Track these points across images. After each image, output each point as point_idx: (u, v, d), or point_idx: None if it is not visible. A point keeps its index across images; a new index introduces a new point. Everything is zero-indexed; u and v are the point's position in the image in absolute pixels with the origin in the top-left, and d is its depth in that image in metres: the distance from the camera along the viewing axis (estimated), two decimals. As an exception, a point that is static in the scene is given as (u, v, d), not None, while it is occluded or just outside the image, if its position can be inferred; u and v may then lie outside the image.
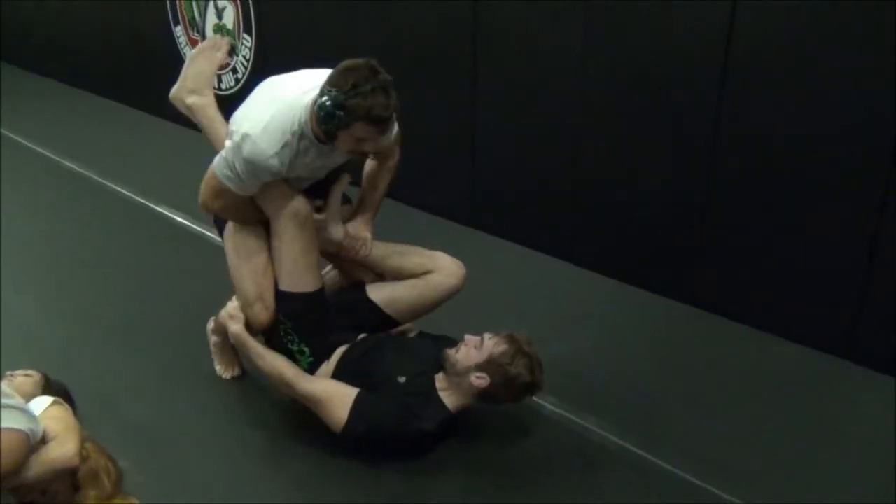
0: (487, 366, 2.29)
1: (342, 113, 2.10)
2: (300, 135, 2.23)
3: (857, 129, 2.60)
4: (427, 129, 4.03)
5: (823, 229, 2.76)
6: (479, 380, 2.29)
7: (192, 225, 3.91)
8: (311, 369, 2.42)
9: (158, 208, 4.28)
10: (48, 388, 2.38)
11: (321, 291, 2.46)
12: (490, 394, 2.33)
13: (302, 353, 2.42)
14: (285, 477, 2.36)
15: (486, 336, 2.36)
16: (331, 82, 2.13)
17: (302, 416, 2.47)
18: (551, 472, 2.35)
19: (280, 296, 2.42)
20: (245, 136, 2.19)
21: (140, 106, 6.22)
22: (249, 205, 2.39)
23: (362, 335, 2.51)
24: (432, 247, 3.81)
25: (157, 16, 5.79)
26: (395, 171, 2.63)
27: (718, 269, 3.10)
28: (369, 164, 2.61)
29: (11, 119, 6.19)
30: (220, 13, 5.23)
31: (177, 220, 4.07)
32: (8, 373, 2.35)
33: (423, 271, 2.55)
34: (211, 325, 2.74)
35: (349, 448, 2.36)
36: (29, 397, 2.20)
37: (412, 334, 2.66)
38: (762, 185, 2.88)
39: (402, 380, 2.34)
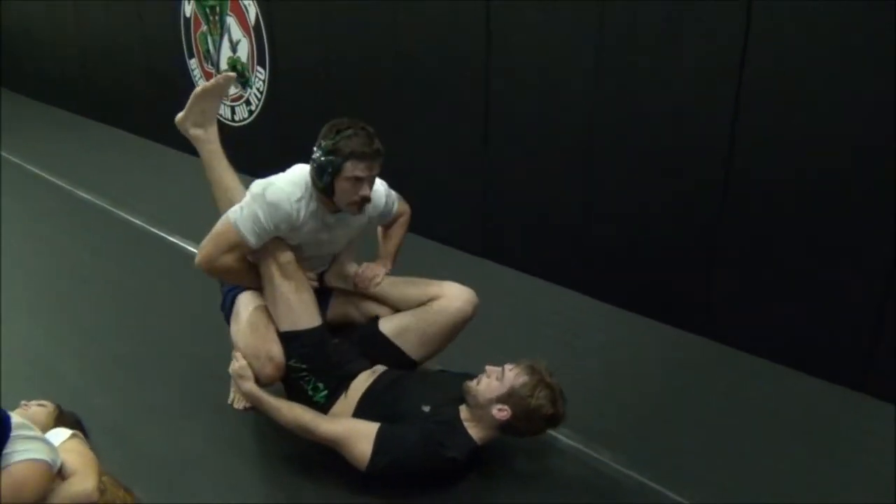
0: (508, 398, 2.27)
1: (332, 157, 2.29)
2: (310, 195, 2.39)
3: (871, 160, 2.60)
4: (439, 160, 4.06)
5: (837, 260, 2.75)
6: (501, 412, 2.27)
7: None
8: (328, 403, 2.41)
9: (170, 238, 4.30)
10: (61, 418, 2.39)
11: (323, 327, 2.47)
12: (512, 426, 2.30)
13: (316, 389, 2.42)
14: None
15: (507, 367, 2.34)
16: (318, 140, 2.35)
17: (317, 448, 2.44)
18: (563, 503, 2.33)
19: (283, 338, 2.43)
20: (269, 184, 2.34)
21: (154, 137, 6.30)
22: (251, 268, 2.47)
23: (382, 367, 2.50)
24: (443, 277, 3.83)
25: (172, 48, 5.88)
26: (407, 225, 2.79)
27: (731, 301, 3.09)
28: (381, 228, 2.75)
29: (24, 148, 6.27)
30: (234, 46, 5.31)
31: (188, 250, 4.09)
32: (23, 402, 2.36)
33: (430, 298, 2.56)
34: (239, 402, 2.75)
35: (368, 482, 2.33)
36: (43, 427, 2.22)
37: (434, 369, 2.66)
38: (775, 215, 2.87)
39: (426, 409, 2.33)
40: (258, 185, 2.35)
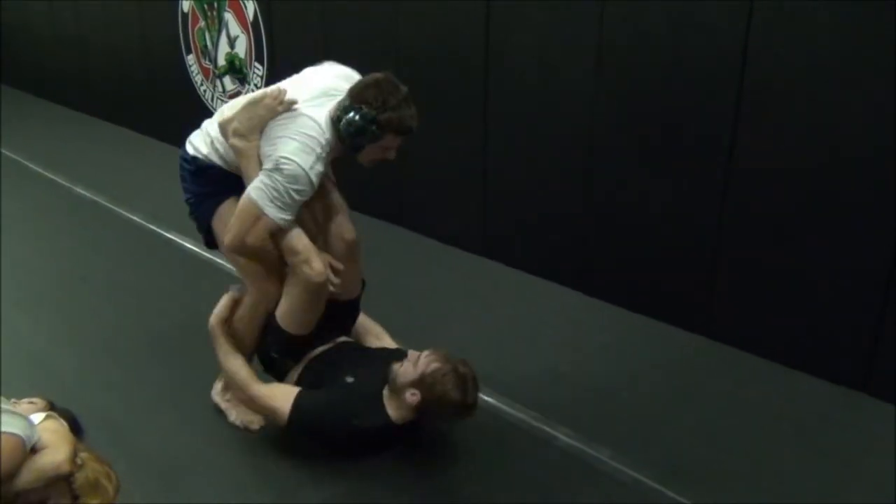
0: (420, 383, 2.35)
1: (374, 128, 2.27)
2: (324, 150, 2.32)
3: (872, 159, 2.59)
4: (439, 158, 4.05)
5: (838, 260, 2.75)
6: (413, 396, 2.35)
7: (201, 252, 3.91)
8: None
9: (168, 234, 4.29)
10: (53, 405, 2.37)
11: (309, 335, 2.56)
12: (423, 410, 2.38)
13: (286, 364, 2.59)
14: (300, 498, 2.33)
15: (424, 354, 2.41)
16: (357, 99, 2.28)
17: (317, 446, 2.47)
18: (564, 502, 2.33)
19: (273, 325, 2.52)
20: (279, 160, 2.26)
21: (151, 133, 6.27)
22: (274, 250, 2.43)
23: (343, 338, 2.68)
24: (444, 276, 3.83)
25: (170, 44, 5.85)
26: None
27: (732, 301, 3.08)
28: None
29: (22, 144, 6.24)
30: (232, 42, 5.28)
31: (186, 247, 4.08)
32: (12, 400, 2.32)
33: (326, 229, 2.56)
34: (217, 387, 2.73)
35: (364, 479, 2.35)
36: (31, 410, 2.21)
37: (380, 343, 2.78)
38: (776, 215, 2.87)
39: (350, 380, 2.46)
40: (270, 157, 2.28)
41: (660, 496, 2.32)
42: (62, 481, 2.01)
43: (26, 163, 5.84)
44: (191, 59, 5.74)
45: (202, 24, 5.50)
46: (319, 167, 2.31)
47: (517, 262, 3.85)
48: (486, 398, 2.71)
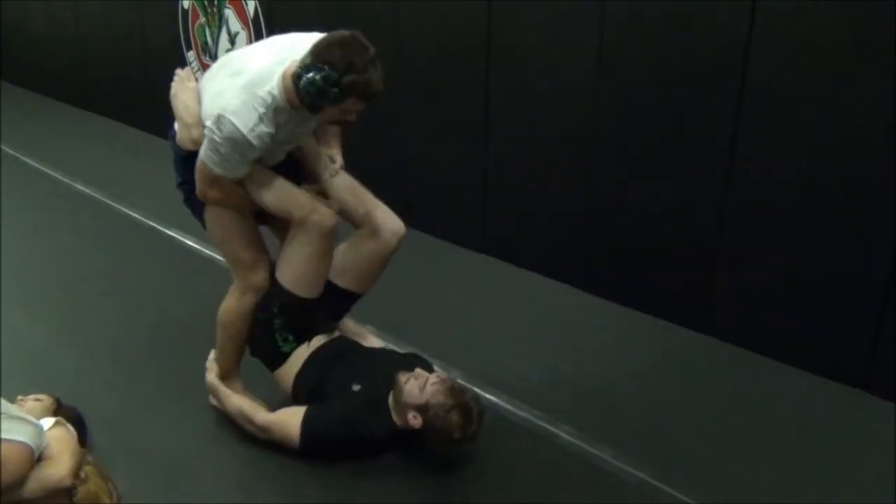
0: (425, 410, 2.33)
1: (336, 90, 2.12)
2: (275, 108, 2.20)
3: (873, 157, 2.58)
4: (439, 155, 4.04)
5: (840, 258, 2.74)
6: (415, 420, 2.34)
7: (202, 249, 3.91)
8: (292, 351, 2.53)
9: (168, 231, 4.28)
10: (60, 411, 2.37)
11: (319, 299, 2.51)
12: (421, 434, 2.36)
13: (286, 340, 2.52)
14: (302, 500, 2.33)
15: (431, 380, 2.38)
16: (320, 58, 2.12)
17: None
18: (566, 502, 2.32)
19: (280, 290, 2.46)
20: (219, 118, 2.17)
21: (151, 129, 6.25)
22: (243, 193, 2.38)
23: (337, 331, 2.66)
24: (444, 274, 3.82)
25: (170, 40, 5.84)
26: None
27: (733, 299, 3.08)
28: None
29: (20, 141, 6.24)
30: (232, 38, 5.27)
31: (187, 244, 4.07)
32: (19, 397, 2.35)
33: (362, 220, 2.53)
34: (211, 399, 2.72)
35: (365, 478, 2.36)
36: (37, 417, 2.21)
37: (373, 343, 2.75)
38: (778, 212, 2.86)
39: (356, 388, 2.45)
40: (212, 116, 2.19)
41: (662, 495, 2.31)
42: (63, 492, 2.02)
43: (25, 159, 5.82)
44: (191, 55, 5.72)
45: (202, 20, 5.49)
46: (264, 127, 2.19)
47: (518, 260, 3.84)
48: (487, 396, 2.72)
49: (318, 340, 2.57)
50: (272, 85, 2.19)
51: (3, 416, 1.96)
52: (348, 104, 2.19)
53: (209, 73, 2.40)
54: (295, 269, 2.45)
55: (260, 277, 2.51)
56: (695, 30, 2.91)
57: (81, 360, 3.05)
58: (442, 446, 2.38)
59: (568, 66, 3.35)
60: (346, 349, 2.61)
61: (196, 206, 2.52)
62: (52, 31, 7.63)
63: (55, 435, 2.13)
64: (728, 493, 2.31)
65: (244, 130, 2.16)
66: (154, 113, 6.17)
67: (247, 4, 5.03)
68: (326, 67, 2.10)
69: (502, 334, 3.17)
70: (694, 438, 2.57)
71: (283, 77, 2.19)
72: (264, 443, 2.53)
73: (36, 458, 2.01)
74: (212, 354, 2.62)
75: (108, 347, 3.15)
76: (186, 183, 2.47)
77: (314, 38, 2.24)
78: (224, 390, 2.56)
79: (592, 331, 3.27)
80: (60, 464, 2.04)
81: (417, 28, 3.95)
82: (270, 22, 4.89)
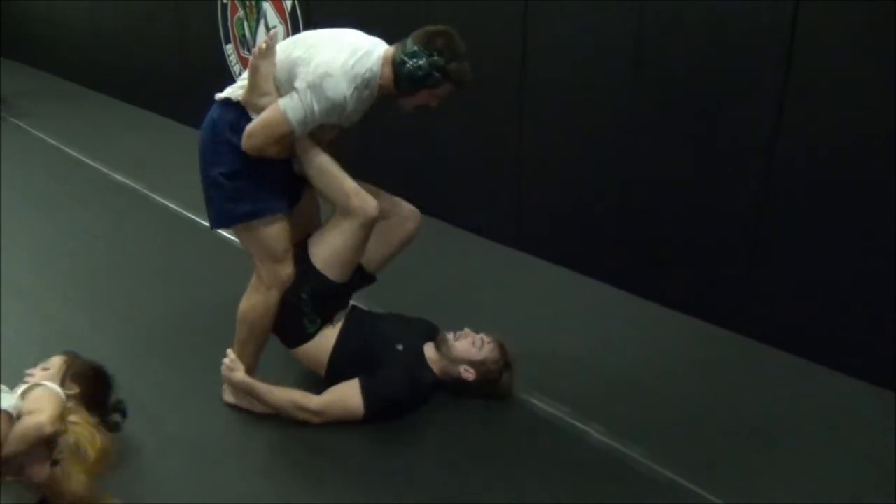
0: (479, 365, 2.61)
1: (439, 75, 2.36)
2: (367, 82, 2.37)
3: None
4: (472, 148, 4.03)
5: (879, 260, 2.67)
6: (467, 373, 2.61)
7: (236, 240, 3.93)
8: (314, 335, 2.62)
9: (204, 222, 4.30)
10: (73, 370, 2.30)
11: (347, 284, 2.62)
12: (466, 386, 2.62)
13: (313, 322, 2.60)
14: (328, 489, 2.32)
15: (485, 339, 2.65)
16: (425, 45, 2.35)
17: (344, 436, 2.49)
18: (595, 501, 2.29)
19: (312, 273, 2.53)
20: (326, 75, 2.30)
21: (189, 122, 6.32)
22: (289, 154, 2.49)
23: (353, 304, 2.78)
24: (476, 270, 3.81)
25: (209, 34, 5.90)
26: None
27: (769, 298, 3.02)
28: None
29: (61, 130, 6.35)
30: (270, 32, 5.30)
31: (222, 235, 4.10)
32: (26, 372, 2.28)
33: (383, 215, 2.60)
34: (226, 395, 2.72)
35: (389, 474, 2.36)
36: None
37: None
38: (816, 210, 2.80)
39: (400, 347, 2.62)
40: (316, 75, 2.30)
41: (693, 496, 2.28)
42: (42, 445, 1.97)
43: (66, 149, 5.93)
44: (229, 48, 5.78)
45: (241, 13, 5.53)
46: (357, 95, 2.35)
47: (550, 255, 3.81)
48: (516, 392, 2.70)
49: (339, 316, 2.68)
50: (373, 61, 2.38)
51: None
52: (441, 90, 2.41)
53: (284, 45, 2.45)
54: (331, 253, 2.53)
55: (289, 270, 2.54)
56: (734, 28, 2.85)
57: (117, 346, 3.09)
58: (481, 394, 2.65)
59: (604, 59, 3.32)
60: (369, 317, 2.78)
61: (226, 212, 2.54)
62: (93, 23, 7.76)
63: (35, 393, 2.08)
64: (760, 495, 2.27)
65: (347, 92, 2.32)
66: (191, 104, 6.26)
67: (284, -2, 5.06)
68: (435, 53, 2.33)
69: (534, 329, 3.14)
70: (726, 438, 2.53)
71: (381, 59, 2.39)
72: (289, 430, 2.55)
73: (14, 418, 1.95)
74: (231, 353, 2.60)
75: (144, 335, 3.20)
76: (223, 181, 2.48)
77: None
78: (263, 386, 2.56)
79: (624, 327, 3.23)
80: (39, 413, 1.98)
81: (452, 18, 3.91)
82: (308, 16, 4.91)
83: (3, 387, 2.04)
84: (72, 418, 2.05)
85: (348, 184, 2.46)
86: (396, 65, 2.36)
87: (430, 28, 2.40)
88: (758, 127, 2.87)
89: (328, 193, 2.50)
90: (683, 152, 3.15)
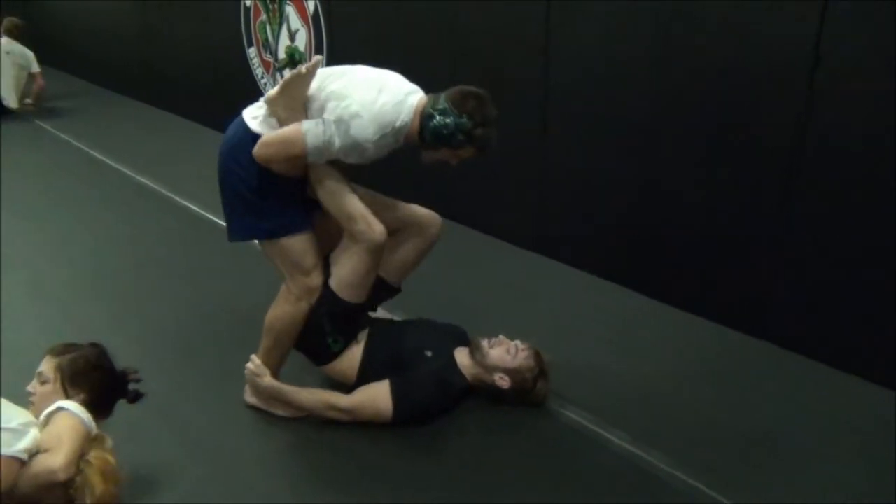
0: (514, 374, 2.59)
1: (463, 137, 2.34)
2: (398, 132, 2.37)
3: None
4: (496, 153, 4.01)
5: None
6: (502, 381, 2.59)
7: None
8: (340, 352, 2.61)
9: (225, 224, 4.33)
10: (68, 369, 2.15)
11: (364, 305, 2.61)
12: (500, 394, 2.61)
13: (336, 342, 2.60)
14: (349, 493, 2.32)
15: (520, 347, 2.62)
16: (456, 104, 2.34)
17: (359, 437, 2.48)
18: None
19: (329, 293, 2.53)
20: (356, 115, 2.29)
21: (212, 124, 6.37)
22: (296, 177, 2.46)
23: (373, 315, 2.80)
24: (498, 274, 3.80)
25: (231, 37, 5.93)
26: None
27: (791, 304, 2.98)
28: None
29: (89, 133, 6.42)
30: (292, 35, 5.33)
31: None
32: (28, 389, 2.17)
33: (403, 223, 2.64)
34: (248, 395, 2.72)
35: (410, 479, 2.34)
36: (50, 396, 2.10)
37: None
38: (842, 220, 2.76)
39: (429, 353, 2.62)
40: (347, 112, 2.29)
41: (713, 501, 2.25)
42: (59, 485, 1.91)
43: (91, 151, 6.00)
44: (252, 52, 5.81)
45: (264, 17, 5.56)
46: (382, 142, 2.34)
47: (572, 260, 3.79)
48: (538, 397, 2.69)
49: (363, 334, 2.67)
50: (405, 111, 2.36)
51: None
52: (463, 151, 2.40)
53: (323, 74, 2.44)
54: (344, 275, 2.52)
55: (319, 281, 2.54)
56: (763, 20, 2.82)
57: (138, 343, 3.10)
58: (515, 402, 2.63)
59: (629, 64, 3.29)
60: (395, 326, 2.79)
61: (245, 226, 2.55)
62: (117, 26, 7.84)
63: (56, 421, 1.99)
64: (783, 500, 2.23)
65: (372, 138, 2.31)
66: (213, 107, 6.31)
67: (307, 2, 5.08)
68: (464, 116, 2.32)
69: (556, 335, 3.12)
70: (750, 446, 2.50)
71: (413, 108, 2.37)
72: (311, 433, 2.55)
73: (25, 460, 1.89)
74: (256, 359, 2.60)
75: (164, 332, 3.22)
76: (247, 198, 2.48)
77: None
78: (290, 388, 2.58)
79: (647, 334, 3.20)
80: (53, 456, 1.90)
81: (475, 21, 3.92)
82: (330, 19, 4.93)
83: (19, 417, 1.96)
84: (89, 457, 1.98)
85: (356, 208, 2.42)
86: (424, 117, 2.35)
87: (465, 88, 2.38)
88: (782, 129, 2.83)
89: (339, 217, 2.47)
90: (706, 156, 3.11)
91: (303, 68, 2.38)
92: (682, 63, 3.10)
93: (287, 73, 2.45)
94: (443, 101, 2.35)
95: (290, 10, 5.27)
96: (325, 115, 2.34)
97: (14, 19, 7.29)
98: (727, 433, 2.57)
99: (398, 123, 2.35)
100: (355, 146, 2.32)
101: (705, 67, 3.03)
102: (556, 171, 3.76)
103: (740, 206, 3.04)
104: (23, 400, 2.12)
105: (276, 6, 5.40)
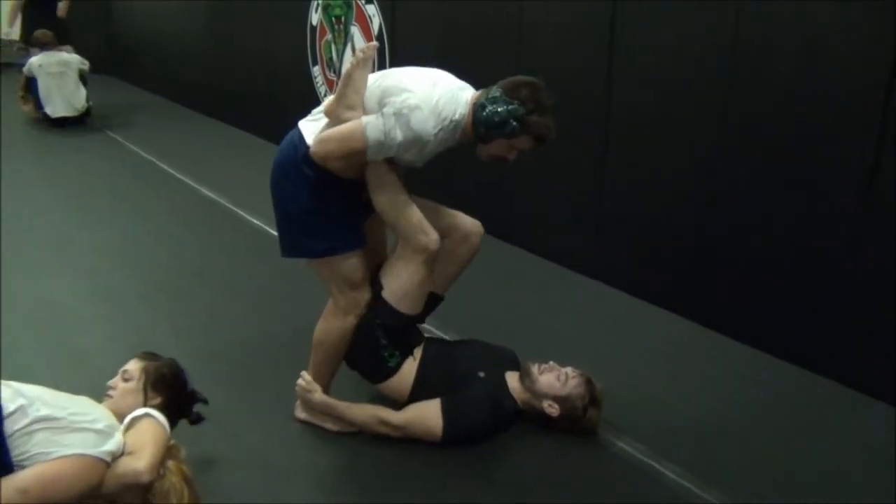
0: (564, 401, 2.54)
1: (517, 124, 2.27)
2: (456, 125, 2.33)
3: None
4: (555, 175, 3.99)
5: None
6: (551, 408, 2.55)
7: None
8: (397, 368, 2.59)
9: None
10: (151, 375, 2.27)
11: (419, 315, 2.61)
12: (550, 421, 2.57)
13: (392, 356, 2.58)
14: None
15: (570, 374, 2.58)
16: (508, 92, 2.29)
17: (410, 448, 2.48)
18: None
19: (385, 308, 2.52)
20: (416, 108, 2.24)
21: (276, 140, 6.49)
22: (353, 177, 2.42)
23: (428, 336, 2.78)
24: (554, 299, 3.76)
25: (296, 56, 6.05)
26: None
27: (859, 341, 2.87)
28: None
29: (156, 145, 6.62)
30: (356, 55, 5.40)
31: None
32: (109, 384, 2.26)
33: (446, 230, 2.56)
34: (298, 411, 2.72)
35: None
36: (130, 408, 2.16)
37: None
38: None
39: (482, 374, 2.60)
40: (406, 105, 2.24)
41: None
42: (139, 487, 1.96)
43: (159, 163, 6.17)
44: (316, 70, 5.91)
45: (329, 36, 5.66)
46: (442, 135, 2.30)
47: (630, 288, 3.73)
48: (591, 426, 2.64)
49: (417, 349, 2.67)
50: (461, 106, 2.33)
51: (51, 429, 1.88)
52: (519, 141, 2.33)
53: (375, 76, 2.41)
54: (400, 286, 2.51)
55: (367, 296, 2.55)
56: (833, 57, 2.75)
57: (196, 355, 3.14)
58: (565, 430, 2.59)
59: (694, 89, 3.24)
60: (447, 345, 2.80)
61: (301, 243, 2.55)
62: (185, 44, 8.08)
63: (140, 427, 2.06)
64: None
65: (433, 131, 2.27)
66: (277, 124, 6.44)
67: (371, 22, 5.15)
68: (515, 102, 2.27)
69: (610, 363, 3.07)
70: (808, 484, 2.41)
71: (469, 102, 2.34)
72: (360, 449, 2.55)
73: (108, 461, 1.94)
74: (307, 375, 2.61)
75: (222, 345, 3.26)
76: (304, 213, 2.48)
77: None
78: (341, 403, 2.59)
79: (705, 366, 3.13)
80: (138, 459, 1.96)
81: (539, 42, 3.92)
82: (394, 39, 4.99)
83: (105, 419, 2.01)
84: (169, 463, 2.04)
85: (415, 216, 2.41)
86: (476, 108, 2.32)
87: (518, 77, 2.34)
88: (854, 160, 2.74)
89: (394, 225, 2.46)
90: (772, 187, 3.04)
91: (359, 53, 2.34)
92: (751, 82, 3.04)
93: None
94: (495, 90, 2.32)
95: (355, 30, 5.35)
96: (384, 109, 2.27)
97: (46, 31, 7.34)
98: (786, 472, 2.48)
99: (456, 116, 2.32)
100: (416, 140, 2.26)
101: (773, 94, 2.97)
102: (616, 197, 3.72)
103: (809, 239, 2.95)
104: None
105: (341, 26, 5.49)
